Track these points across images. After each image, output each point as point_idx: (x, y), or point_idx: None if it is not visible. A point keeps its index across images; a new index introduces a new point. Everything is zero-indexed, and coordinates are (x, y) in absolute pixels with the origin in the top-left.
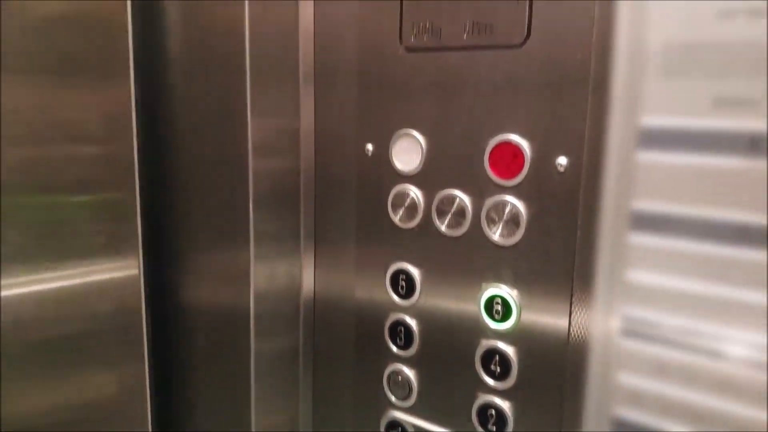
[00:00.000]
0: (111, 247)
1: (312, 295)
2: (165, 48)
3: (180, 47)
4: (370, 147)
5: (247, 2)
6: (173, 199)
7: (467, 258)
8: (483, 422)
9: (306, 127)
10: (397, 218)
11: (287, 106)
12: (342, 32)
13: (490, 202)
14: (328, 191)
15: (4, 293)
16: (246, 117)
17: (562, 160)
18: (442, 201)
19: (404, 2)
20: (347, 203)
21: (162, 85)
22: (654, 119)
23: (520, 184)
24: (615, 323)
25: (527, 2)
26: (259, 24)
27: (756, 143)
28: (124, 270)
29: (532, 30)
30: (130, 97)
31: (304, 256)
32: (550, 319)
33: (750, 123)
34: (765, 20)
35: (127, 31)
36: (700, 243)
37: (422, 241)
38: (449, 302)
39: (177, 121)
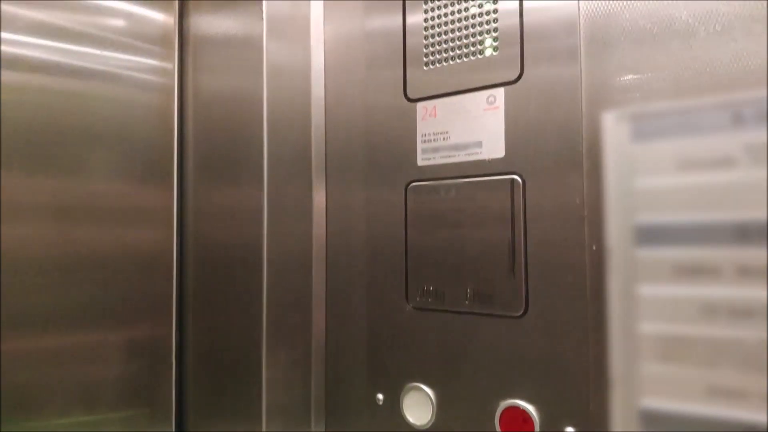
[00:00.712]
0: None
1: None
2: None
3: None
4: (380, 396)
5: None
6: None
7: None
8: None
9: (317, 366)
10: None
11: (299, 345)
12: (354, 292)
13: None
14: None
15: None
16: (261, 349)
17: (570, 430)
18: None
19: (409, 266)
20: None
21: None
22: (652, 401)
23: None
24: None
25: (523, 278)
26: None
27: None
28: None
29: (529, 304)
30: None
31: None
32: None
33: (745, 414)
34: (745, 321)
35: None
36: None
37: None
38: None
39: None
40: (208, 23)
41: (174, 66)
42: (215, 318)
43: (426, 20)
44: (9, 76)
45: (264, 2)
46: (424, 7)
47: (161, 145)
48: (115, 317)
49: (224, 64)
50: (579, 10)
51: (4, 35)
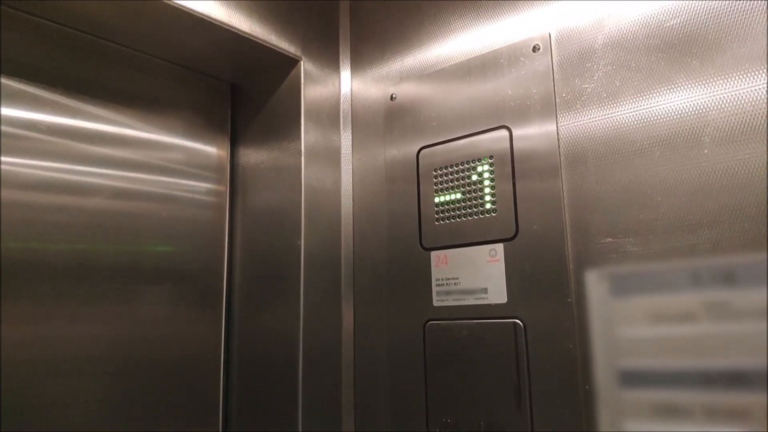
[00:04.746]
0: None
1: None
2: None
3: None
4: None
5: None
6: None
7: None
8: None
9: None
10: None
11: None
12: (378, 410)
13: None
14: None
15: None
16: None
17: None
18: None
19: (429, 399)
20: None
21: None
22: None
23: None
24: None
25: (528, 414)
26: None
27: None
28: None
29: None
30: None
31: None
32: None
33: None
34: None
35: None
36: None
37: None
38: None
39: None
40: (255, 154)
41: (226, 189)
42: (256, 424)
43: (436, 192)
44: (91, 203)
45: (302, 140)
46: (434, 180)
47: (214, 255)
48: (168, 417)
49: (268, 187)
50: (563, 194)
51: (88, 168)
